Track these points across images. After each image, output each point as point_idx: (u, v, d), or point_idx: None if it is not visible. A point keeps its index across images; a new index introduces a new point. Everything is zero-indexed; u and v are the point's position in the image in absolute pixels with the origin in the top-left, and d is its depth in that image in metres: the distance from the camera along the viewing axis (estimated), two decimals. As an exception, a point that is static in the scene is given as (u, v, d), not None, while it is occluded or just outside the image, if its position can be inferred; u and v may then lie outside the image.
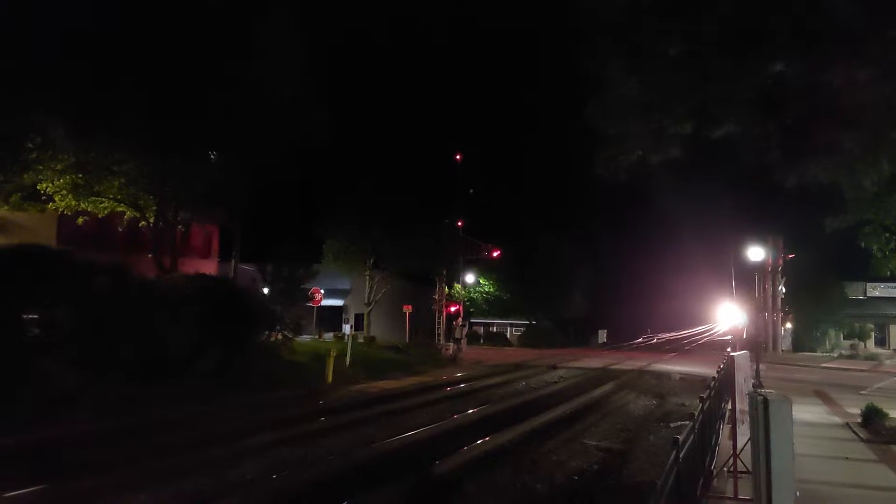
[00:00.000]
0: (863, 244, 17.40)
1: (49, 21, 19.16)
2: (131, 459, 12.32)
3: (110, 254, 23.22)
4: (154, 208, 25.19)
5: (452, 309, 43.98)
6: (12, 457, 12.13)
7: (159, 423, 15.87)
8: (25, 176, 21.88)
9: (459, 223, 44.42)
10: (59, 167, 22.09)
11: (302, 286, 31.68)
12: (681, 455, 6.59)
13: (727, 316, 54.82)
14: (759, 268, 53.36)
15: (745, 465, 9.45)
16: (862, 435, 15.62)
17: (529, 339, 63.58)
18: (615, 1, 12.65)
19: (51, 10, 19.15)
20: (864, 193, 14.75)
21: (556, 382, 29.65)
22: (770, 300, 56.10)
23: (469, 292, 57.09)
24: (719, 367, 19.25)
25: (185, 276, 24.03)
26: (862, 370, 39.03)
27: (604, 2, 12.69)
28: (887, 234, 16.75)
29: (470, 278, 54.42)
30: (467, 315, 53.85)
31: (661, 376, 33.34)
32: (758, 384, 21.44)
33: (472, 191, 45.15)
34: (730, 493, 9.89)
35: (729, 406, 12.65)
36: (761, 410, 7.54)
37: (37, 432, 13.42)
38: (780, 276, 56.33)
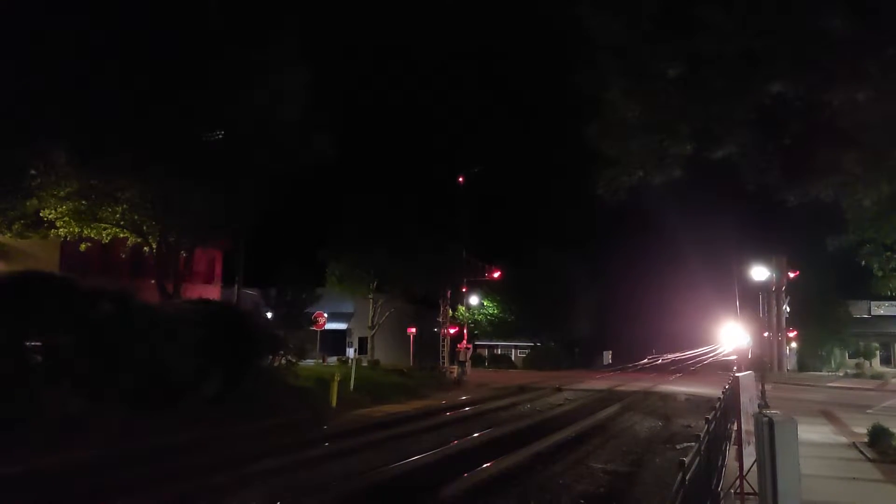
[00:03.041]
0: (863, 263, 17.35)
1: (53, 47, 19.25)
2: (134, 487, 12.26)
3: (113, 279, 23.22)
4: (157, 234, 25.21)
5: (452, 331, 43.71)
6: (14, 486, 12.09)
7: (162, 449, 15.80)
8: (28, 203, 21.92)
9: (462, 244, 44.34)
10: (61, 194, 22.13)
11: (305, 310, 31.60)
12: (687, 477, 6.54)
13: (731, 336, 54.56)
14: (763, 287, 53.14)
15: (751, 487, 9.39)
16: (869, 455, 15.53)
17: (534, 361, 63.16)
18: (615, 23, 12.71)
19: (56, 36, 19.23)
20: (864, 213, 14.71)
21: (561, 405, 29.52)
22: (774, 319, 55.81)
23: (473, 314, 56.91)
24: (724, 387, 19.18)
25: (189, 301, 24.03)
26: (868, 389, 38.80)
27: (604, 23, 12.75)
28: (888, 254, 16.69)
29: (474, 300, 54.28)
30: (472, 337, 53.68)
31: (667, 397, 33.20)
32: (763, 404, 21.31)
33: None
34: (737, 516, 9.83)
35: (735, 427, 12.59)
36: (767, 431, 7.52)
37: (39, 460, 13.36)
38: (784, 295, 56.08)
